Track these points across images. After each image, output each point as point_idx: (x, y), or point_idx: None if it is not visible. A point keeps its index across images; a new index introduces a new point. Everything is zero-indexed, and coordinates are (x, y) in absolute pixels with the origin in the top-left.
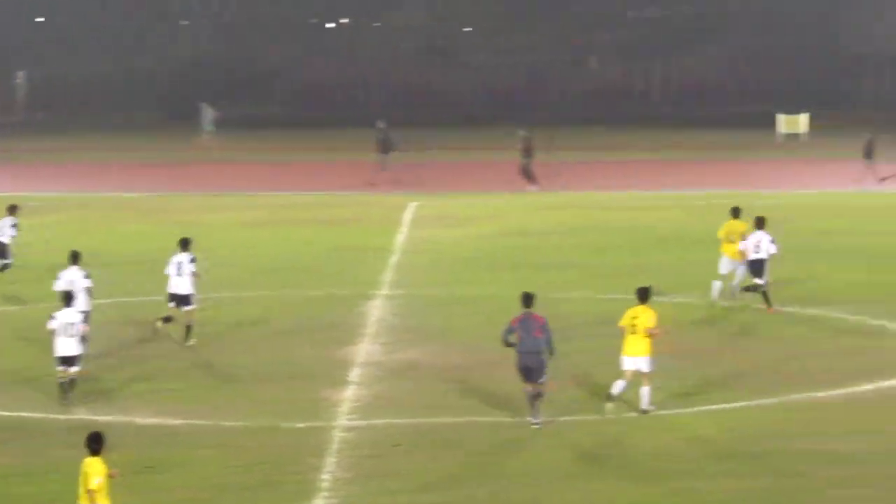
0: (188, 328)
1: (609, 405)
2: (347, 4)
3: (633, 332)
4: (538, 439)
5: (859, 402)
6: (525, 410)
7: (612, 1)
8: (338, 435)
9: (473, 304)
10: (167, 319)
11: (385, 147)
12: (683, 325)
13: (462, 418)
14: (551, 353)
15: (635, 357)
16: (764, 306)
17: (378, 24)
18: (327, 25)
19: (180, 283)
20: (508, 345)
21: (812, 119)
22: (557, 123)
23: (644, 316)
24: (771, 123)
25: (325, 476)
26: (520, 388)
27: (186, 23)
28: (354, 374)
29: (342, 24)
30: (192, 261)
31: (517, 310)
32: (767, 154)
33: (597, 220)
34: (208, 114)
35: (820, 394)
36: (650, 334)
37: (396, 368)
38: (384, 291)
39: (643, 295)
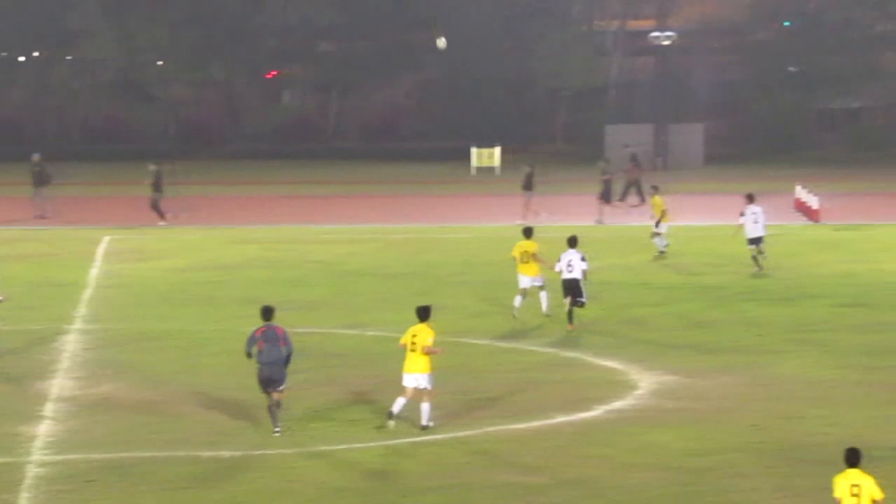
0: None
1: (391, 422)
2: (39, 37)
3: (413, 350)
4: (236, 472)
5: (555, 433)
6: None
7: (303, 35)
8: (32, 470)
9: (166, 338)
10: None
11: (40, 181)
12: (378, 359)
13: (157, 452)
14: (287, 362)
15: (416, 374)
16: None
17: (70, 57)
18: (19, 59)
19: None
20: (250, 356)
21: (505, 152)
22: (252, 157)
23: (423, 334)
24: (468, 157)
25: None
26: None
27: None
28: (48, 409)
29: (34, 57)
30: None
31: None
32: (461, 188)
33: (291, 254)
34: None
35: (519, 425)
36: (428, 352)
37: (90, 403)
38: (77, 326)
39: (423, 314)
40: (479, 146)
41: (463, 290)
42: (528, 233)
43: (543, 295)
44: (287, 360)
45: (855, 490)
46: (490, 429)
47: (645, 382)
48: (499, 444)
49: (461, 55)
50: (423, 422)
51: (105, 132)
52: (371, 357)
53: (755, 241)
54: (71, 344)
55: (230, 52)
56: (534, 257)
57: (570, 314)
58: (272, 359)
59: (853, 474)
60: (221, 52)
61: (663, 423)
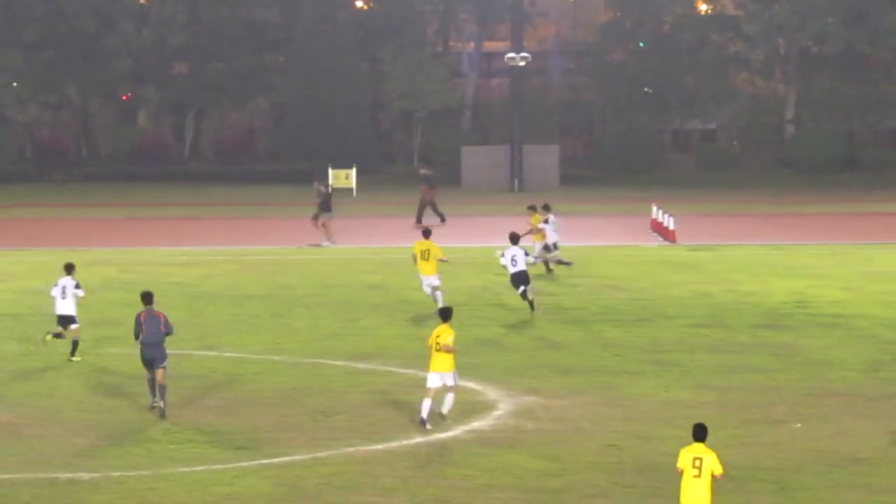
0: (75, 343)
1: (428, 427)
2: None
3: (439, 350)
4: (94, 494)
5: (413, 453)
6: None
7: (157, 56)
8: None
9: (23, 359)
10: (58, 335)
11: None
12: (235, 381)
13: (15, 474)
14: (167, 334)
15: (442, 373)
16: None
17: None
18: None
19: (65, 305)
20: (138, 337)
21: (361, 174)
22: (108, 178)
23: (445, 334)
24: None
25: None
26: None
27: None
28: None
29: None
30: (77, 286)
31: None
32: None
33: (147, 276)
34: None
35: (377, 446)
36: (448, 351)
37: None
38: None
39: (446, 315)
40: (335, 167)
41: (319, 312)
42: (427, 233)
43: (439, 294)
44: (166, 337)
45: (696, 462)
46: (348, 450)
47: (503, 403)
48: (357, 464)
49: (316, 76)
50: (444, 410)
51: None
52: (228, 378)
53: (63, 321)
54: None
55: (84, 74)
56: (436, 257)
57: (530, 304)
58: (152, 340)
59: (698, 448)
60: (76, 74)
61: (521, 443)
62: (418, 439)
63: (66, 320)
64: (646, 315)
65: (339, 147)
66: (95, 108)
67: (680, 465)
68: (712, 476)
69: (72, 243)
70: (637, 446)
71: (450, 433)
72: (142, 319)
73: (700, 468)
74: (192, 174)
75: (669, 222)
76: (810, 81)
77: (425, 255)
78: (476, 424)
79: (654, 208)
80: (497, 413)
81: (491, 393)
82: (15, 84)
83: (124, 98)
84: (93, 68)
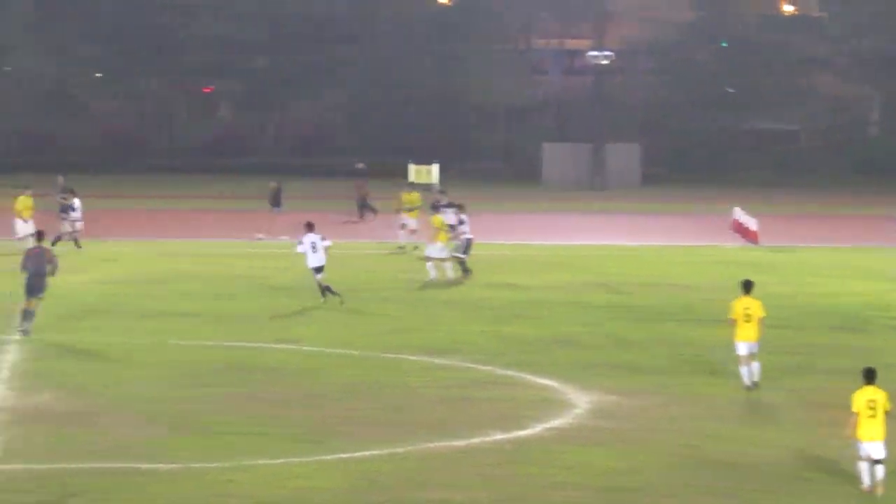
0: (327, 288)
1: (749, 385)
2: None
3: (748, 321)
4: (173, 485)
5: (493, 450)
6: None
7: (236, 48)
8: None
9: (100, 350)
10: (332, 292)
11: None
12: (312, 374)
13: (89, 464)
14: (53, 274)
15: (750, 342)
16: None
17: (9, 68)
18: None
19: (316, 258)
20: (24, 269)
21: (443, 169)
22: (186, 171)
23: (754, 305)
24: (403, 174)
25: None
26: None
27: None
28: None
29: None
30: (324, 238)
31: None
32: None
33: (223, 268)
34: None
35: (455, 442)
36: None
37: (27, 414)
38: (15, 337)
39: (749, 287)
40: (416, 163)
41: (396, 306)
42: (435, 208)
43: (447, 266)
44: (53, 272)
45: (871, 404)
46: (427, 445)
47: (582, 401)
48: (436, 460)
49: (395, 71)
50: (756, 378)
51: (35, 145)
52: (304, 371)
53: (318, 271)
54: (9, 354)
55: (165, 66)
56: (438, 230)
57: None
58: (38, 272)
59: (869, 391)
60: (156, 66)
61: (599, 441)
62: (498, 436)
63: (319, 270)
64: (722, 316)
65: (419, 142)
66: (174, 99)
67: (855, 408)
68: (885, 412)
69: (147, 235)
70: (715, 446)
71: (529, 430)
72: (29, 254)
73: (875, 408)
74: (271, 167)
75: (752, 223)
76: (893, 83)
77: (443, 226)
78: (555, 422)
79: (737, 209)
80: (576, 411)
81: (570, 391)
82: (98, 74)
83: (205, 91)
84: (173, 61)
